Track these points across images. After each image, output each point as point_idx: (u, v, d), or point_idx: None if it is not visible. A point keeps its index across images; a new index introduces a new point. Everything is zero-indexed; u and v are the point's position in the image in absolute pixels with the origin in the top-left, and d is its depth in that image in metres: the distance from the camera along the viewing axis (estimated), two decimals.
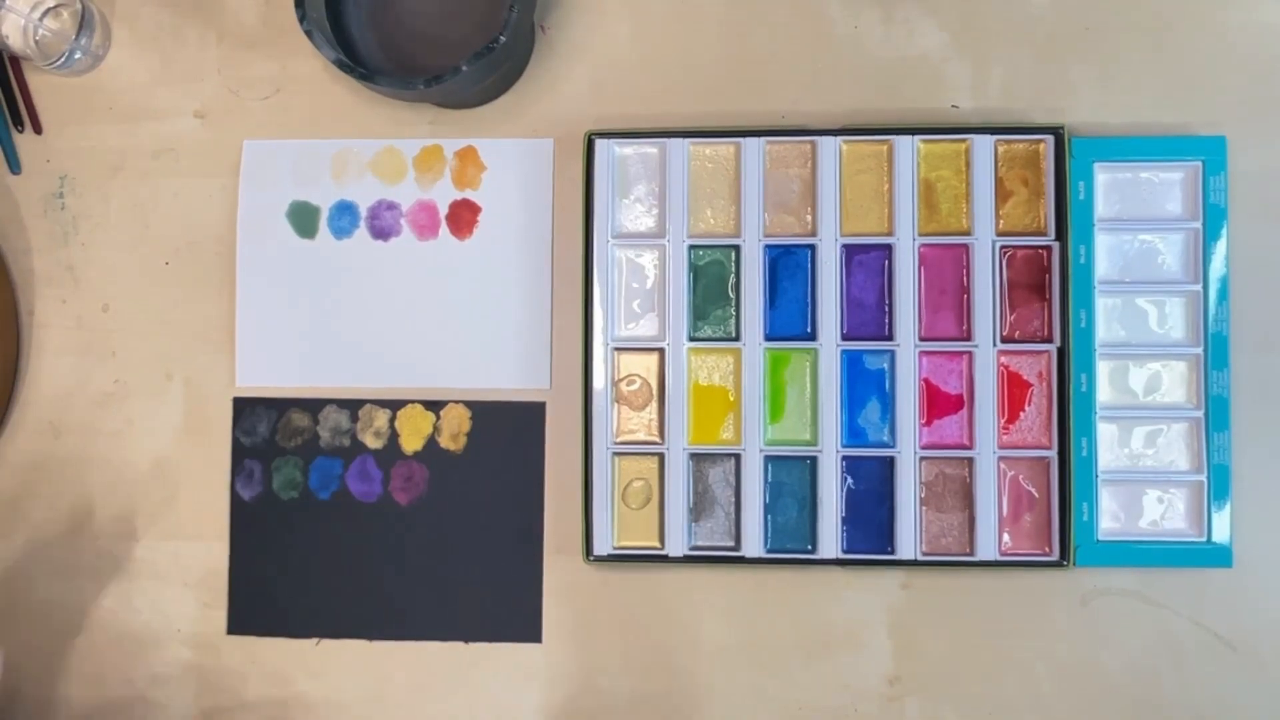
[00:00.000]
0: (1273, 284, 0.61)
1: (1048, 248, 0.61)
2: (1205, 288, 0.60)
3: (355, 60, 0.58)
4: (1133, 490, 0.60)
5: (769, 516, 0.61)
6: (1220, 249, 0.60)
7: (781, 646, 0.62)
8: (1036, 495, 0.60)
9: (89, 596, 0.64)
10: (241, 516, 0.64)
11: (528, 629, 0.62)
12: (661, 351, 0.62)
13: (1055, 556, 0.60)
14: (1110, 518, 0.60)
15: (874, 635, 0.61)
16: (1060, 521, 0.60)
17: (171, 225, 0.65)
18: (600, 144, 0.62)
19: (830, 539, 0.60)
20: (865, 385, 0.61)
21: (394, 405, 0.63)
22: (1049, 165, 0.61)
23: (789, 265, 0.62)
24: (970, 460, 0.60)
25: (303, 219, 0.64)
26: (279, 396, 0.64)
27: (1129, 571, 0.60)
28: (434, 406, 0.63)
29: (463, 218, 0.64)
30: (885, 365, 0.61)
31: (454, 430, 0.63)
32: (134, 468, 0.64)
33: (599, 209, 0.62)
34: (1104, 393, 0.61)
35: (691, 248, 0.62)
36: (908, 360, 0.61)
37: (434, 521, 0.63)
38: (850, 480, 0.61)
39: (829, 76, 0.63)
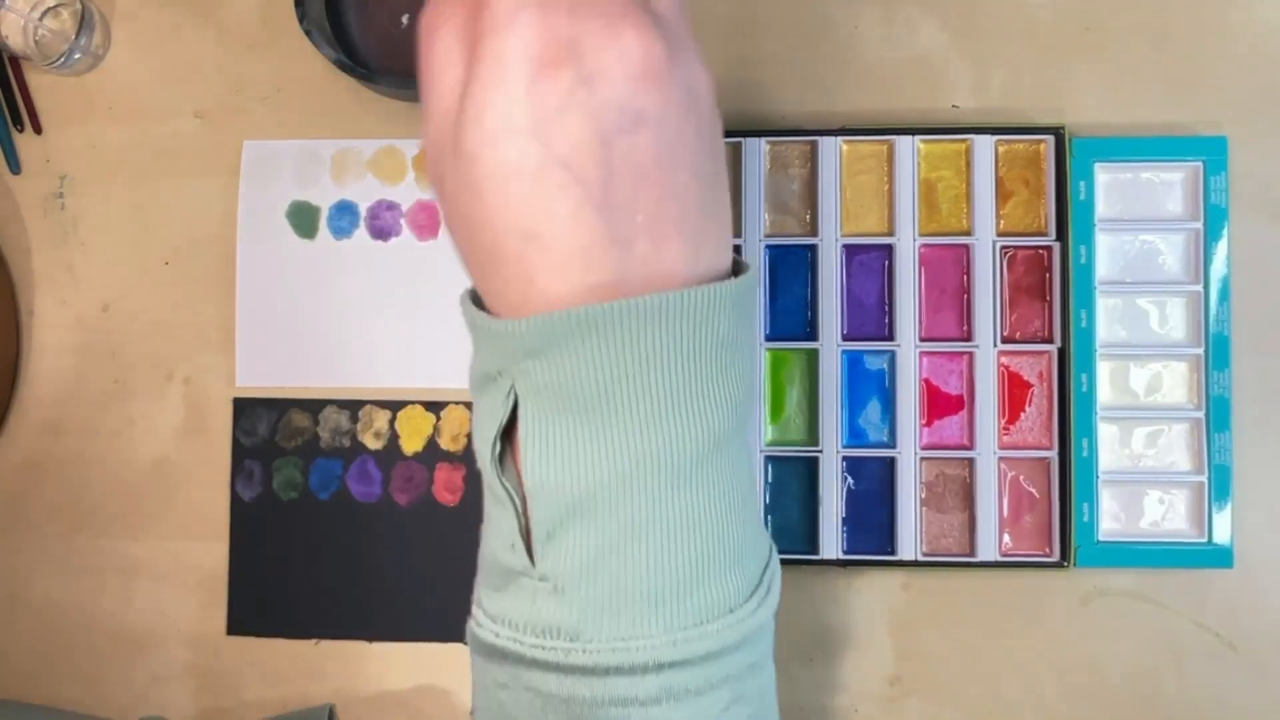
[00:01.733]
0: (1273, 284, 0.61)
1: (1048, 248, 0.61)
2: (1206, 288, 0.60)
3: (355, 60, 0.58)
4: (1133, 491, 0.60)
5: (769, 517, 0.61)
6: (1221, 249, 0.60)
7: (781, 647, 0.61)
8: (1037, 496, 0.60)
9: (89, 596, 0.64)
10: (241, 517, 0.64)
11: None
12: None
13: (1055, 557, 0.60)
14: (1111, 518, 0.60)
15: (874, 635, 0.61)
16: (1061, 522, 0.60)
17: (171, 225, 0.65)
18: None
19: (830, 539, 0.60)
20: (865, 385, 0.61)
21: (394, 406, 0.63)
22: (1049, 165, 0.61)
23: (789, 265, 0.62)
24: (970, 461, 0.60)
25: (303, 219, 0.64)
26: (279, 396, 0.64)
27: (1129, 572, 0.60)
28: (434, 408, 0.63)
29: None
30: (885, 365, 0.61)
31: (454, 431, 0.63)
32: (134, 468, 0.64)
33: None
34: (1105, 393, 0.61)
35: None
36: (908, 360, 0.61)
37: (434, 522, 0.63)
38: (850, 481, 0.61)
39: (829, 76, 0.63)
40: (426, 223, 0.64)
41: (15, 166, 0.65)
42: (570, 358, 0.32)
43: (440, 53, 0.35)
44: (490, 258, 0.33)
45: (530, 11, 0.31)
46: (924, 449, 0.61)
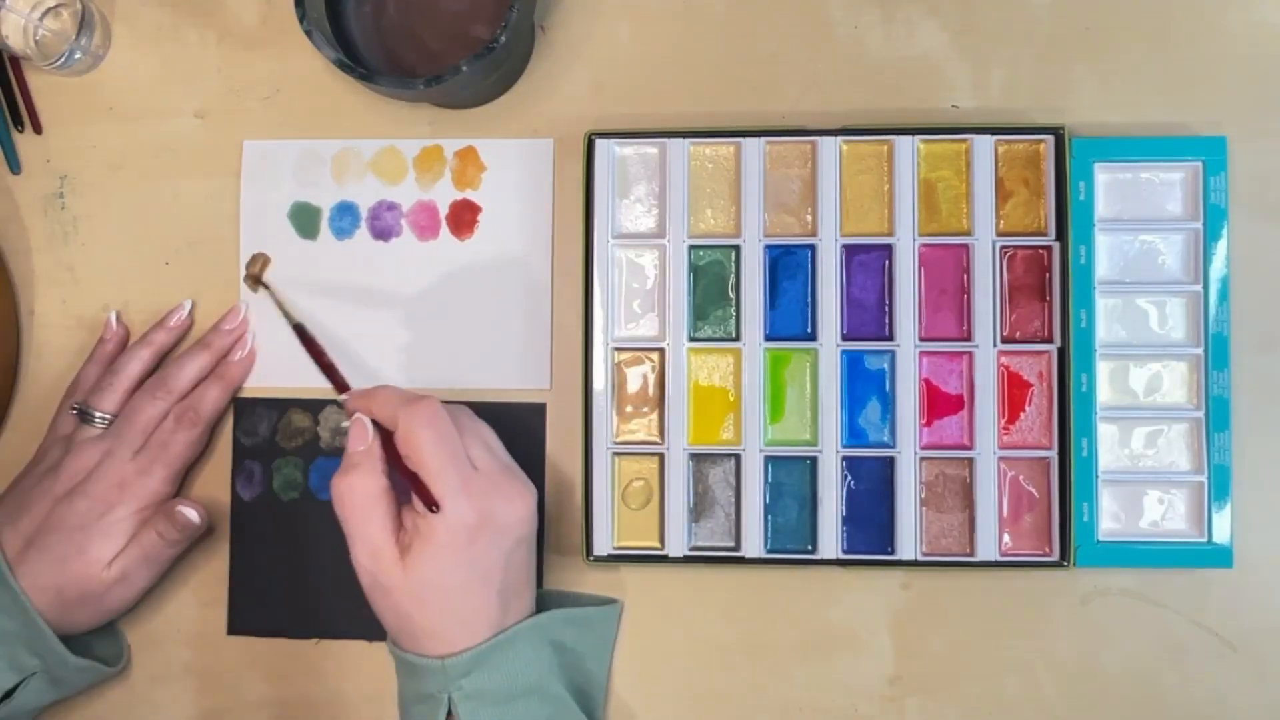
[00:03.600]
0: (1273, 284, 0.61)
1: (1048, 248, 0.61)
2: (1206, 288, 0.60)
3: (355, 60, 0.58)
4: (1133, 490, 0.60)
5: (769, 517, 0.61)
6: (1220, 249, 0.60)
7: (781, 646, 0.61)
8: (1037, 495, 0.60)
9: None
10: (241, 517, 0.64)
11: None
12: (661, 352, 0.62)
13: (1055, 557, 0.60)
14: (1110, 518, 0.60)
15: (874, 635, 0.61)
16: (1060, 522, 0.60)
17: (171, 225, 0.65)
18: (600, 144, 0.62)
19: (830, 539, 0.60)
20: (865, 385, 0.61)
21: None
22: (1049, 165, 0.61)
23: (789, 265, 0.62)
24: (970, 460, 0.60)
25: (304, 219, 0.64)
26: (279, 396, 0.64)
27: (1129, 572, 0.60)
28: None
29: (463, 218, 0.64)
30: (885, 365, 0.61)
31: None
32: None
33: (599, 209, 0.62)
34: (1104, 393, 0.61)
35: (691, 248, 0.62)
36: (908, 360, 0.61)
37: None
38: (850, 480, 0.61)
39: (829, 76, 0.63)
40: (427, 223, 0.64)
41: (15, 166, 0.65)
42: (488, 670, 0.53)
43: (362, 514, 0.53)
44: (425, 632, 0.52)
45: (463, 500, 0.51)
46: (924, 449, 0.61)
